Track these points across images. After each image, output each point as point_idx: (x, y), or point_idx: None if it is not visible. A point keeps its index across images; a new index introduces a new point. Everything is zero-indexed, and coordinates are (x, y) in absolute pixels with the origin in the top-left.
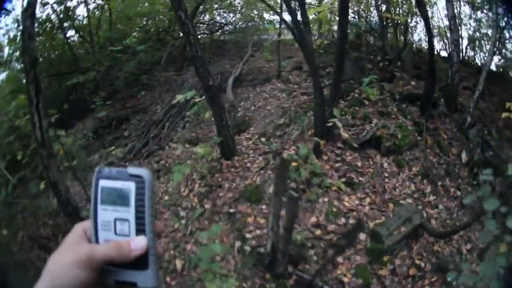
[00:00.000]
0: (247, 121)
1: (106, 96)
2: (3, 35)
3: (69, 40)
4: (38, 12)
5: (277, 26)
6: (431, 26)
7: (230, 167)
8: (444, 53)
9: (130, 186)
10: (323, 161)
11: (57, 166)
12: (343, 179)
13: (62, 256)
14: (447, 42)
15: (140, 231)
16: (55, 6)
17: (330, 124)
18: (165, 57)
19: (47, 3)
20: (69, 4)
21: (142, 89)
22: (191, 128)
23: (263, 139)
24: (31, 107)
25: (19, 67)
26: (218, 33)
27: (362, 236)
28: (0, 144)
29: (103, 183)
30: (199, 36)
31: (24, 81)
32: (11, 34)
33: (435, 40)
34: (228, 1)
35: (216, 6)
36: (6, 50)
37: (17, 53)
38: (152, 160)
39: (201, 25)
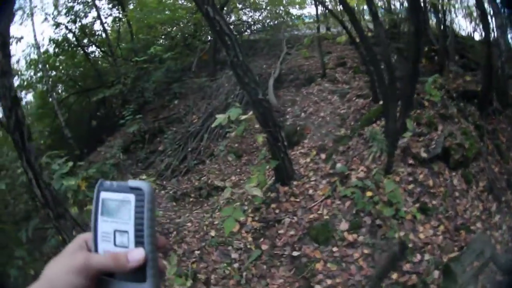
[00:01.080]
0: (300, 131)
1: (136, 109)
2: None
3: (91, 56)
4: (53, 33)
5: (306, 20)
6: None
7: (289, 195)
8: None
9: (130, 198)
10: (395, 184)
11: (71, 227)
12: (417, 205)
13: (59, 263)
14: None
15: (139, 243)
16: (69, 25)
17: (405, 139)
18: (195, 62)
19: (60, 24)
20: (84, 21)
21: (175, 98)
22: (233, 138)
23: (322, 156)
24: (22, 162)
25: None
26: (246, 32)
27: (436, 273)
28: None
29: (104, 195)
30: None
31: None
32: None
33: (467, 22)
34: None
35: (240, 6)
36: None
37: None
38: (192, 177)
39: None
